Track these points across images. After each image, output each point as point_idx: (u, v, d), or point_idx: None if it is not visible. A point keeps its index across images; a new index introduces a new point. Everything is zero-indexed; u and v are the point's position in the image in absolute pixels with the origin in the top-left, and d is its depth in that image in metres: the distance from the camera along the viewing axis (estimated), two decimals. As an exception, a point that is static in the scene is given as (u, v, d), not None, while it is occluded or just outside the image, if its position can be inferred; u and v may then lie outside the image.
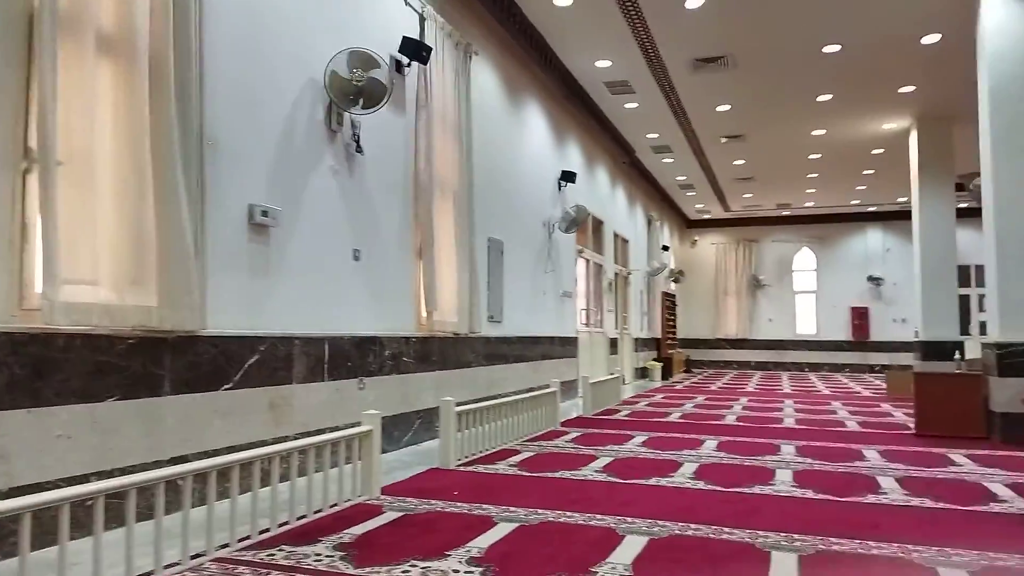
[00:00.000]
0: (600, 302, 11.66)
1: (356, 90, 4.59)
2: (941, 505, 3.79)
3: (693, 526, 3.31)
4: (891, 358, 18.42)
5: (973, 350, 11.56)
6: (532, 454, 5.32)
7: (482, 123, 7.04)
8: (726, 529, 3.27)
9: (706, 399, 10.18)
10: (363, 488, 3.76)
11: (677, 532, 3.22)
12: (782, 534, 3.19)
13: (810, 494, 4.04)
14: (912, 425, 7.19)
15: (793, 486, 4.25)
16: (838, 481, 4.40)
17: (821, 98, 9.67)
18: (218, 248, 3.83)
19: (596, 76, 8.95)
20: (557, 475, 4.53)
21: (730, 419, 7.72)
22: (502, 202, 7.60)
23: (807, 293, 19.51)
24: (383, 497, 3.83)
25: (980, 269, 17.60)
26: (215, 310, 3.77)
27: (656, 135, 11.59)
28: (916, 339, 10.73)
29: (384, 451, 5.08)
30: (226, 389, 3.80)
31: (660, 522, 3.37)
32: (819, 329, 19.27)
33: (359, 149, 5.00)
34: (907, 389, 10.76)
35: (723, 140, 11.84)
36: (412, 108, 5.75)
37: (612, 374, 9.37)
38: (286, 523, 3.21)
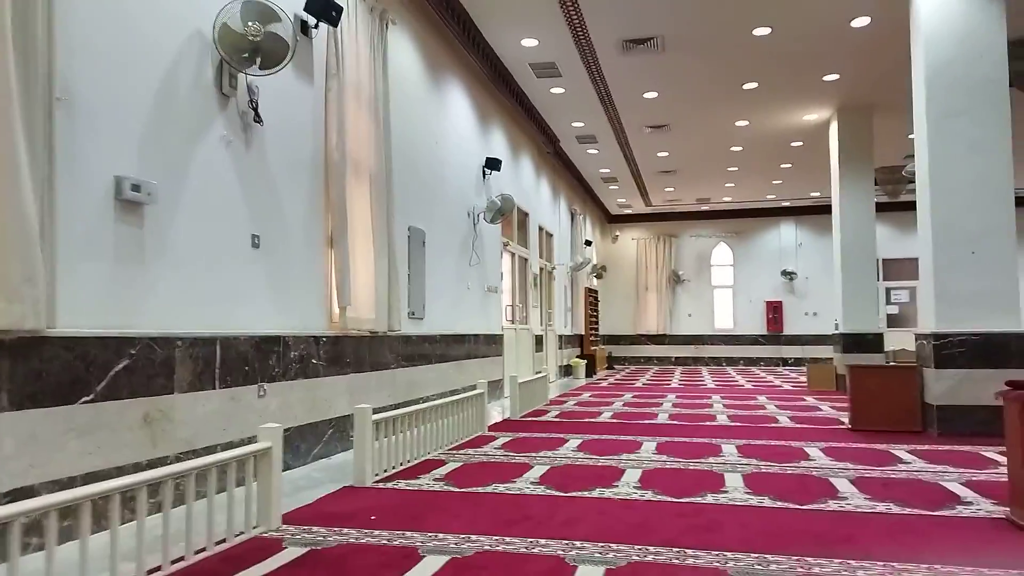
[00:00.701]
0: (526, 298, 11.22)
1: (252, 47, 3.91)
2: (908, 511, 3.49)
3: (652, 549, 2.86)
4: (803, 351, 18.86)
5: (891, 342, 11.77)
6: (459, 464, 4.78)
7: (401, 101, 6.44)
8: (689, 551, 2.83)
9: (634, 396, 9.89)
10: (260, 518, 3.13)
11: (636, 558, 2.76)
12: (753, 555, 2.78)
13: (767, 502, 3.67)
14: (844, 419, 7.07)
15: (748, 493, 3.88)
16: (791, 485, 4.08)
17: (747, 86, 9.53)
18: (73, 229, 3.10)
19: (522, 56, 8.47)
20: (489, 490, 4.00)
21: (663, 417, 7.41)
22: (423, 188, 7.01)
23: (724, 288, 19.75)
24: (284, 527, 3.20)
25: (888, 263, 18.25)
26: (70, 306, 3.05)
27: (582, 124, 11.24)
28: (836, 331, 10.80)
29: (289, 467, 4.43)
30: (85, 402, 3.08)
31: (614, 546, 2.91)
32: (736, 323, 19.53)
33: (258, 118, 4.32)
34: (828, 382, 10.85)
35: (647, 130, 11.61)
36: (321, 77, 5.09)
37: (539, 373, 8.94)
38: (156, 569, 2.55)
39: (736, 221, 19.44)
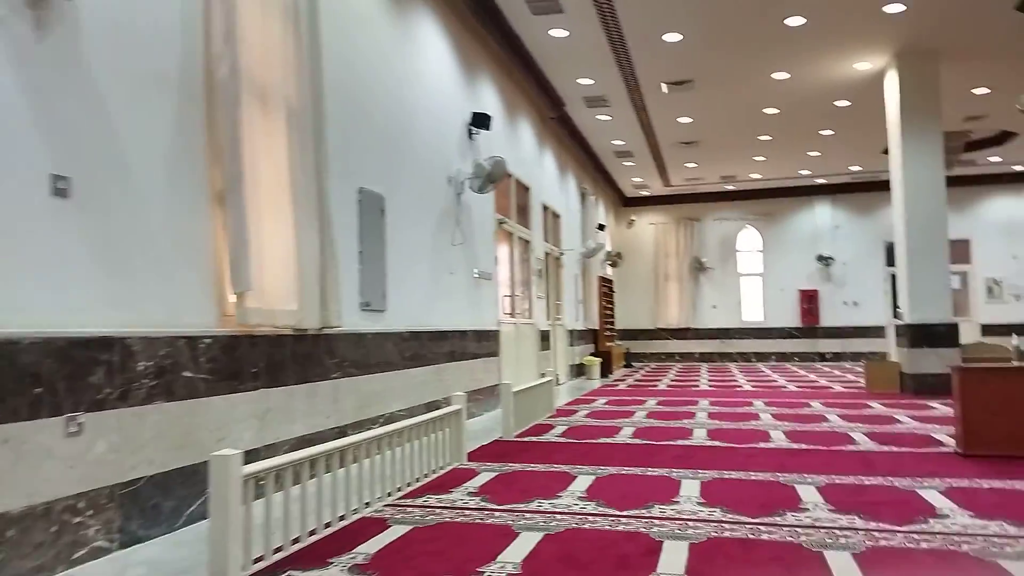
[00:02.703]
0: (528, 287, 9.56)
1: None
2: None
3: None
4: (843, 345, 17.06)
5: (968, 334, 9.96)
6: (407, 530, 3.14)
7: (344, 19, 4.79)
8: None
9: (658, 403, 8.20)
10: None
11: None
12: None
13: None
14: (941, 437, 5.35)
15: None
16: (931, 565, 2.40)
17: (791, 20, 7.76)
18: None
19: (513, -14, 6.81)
20: (434, 595, 2.36)
21: (699, 434, 5.72)
22: (382, 142, 5.36)
23: (753, 276, 17.94)
24: None
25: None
26: None
27: (590, 80, 9.53)
28: (899, 322, 9.03)
29: (140, 539, 2.81)
30: None
31: None
32: (766, 315, 17.72)
33: (59, -12, 2.69)
34: (891, 383, 9.09)
35: (666, 89, 9.88)
36: (198, -46, 3.46)
37: (543, 376, 7.29)
38: None
39: (765, 202, 17.62)
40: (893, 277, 17.13)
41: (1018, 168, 15.37)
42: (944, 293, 8.72)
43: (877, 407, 7.51)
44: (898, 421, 6.40)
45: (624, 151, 13.38)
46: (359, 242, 4.84)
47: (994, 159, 14.30)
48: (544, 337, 9.99)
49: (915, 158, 8.88)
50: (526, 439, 5.64)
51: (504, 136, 8.53)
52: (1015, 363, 5.09)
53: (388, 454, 3.73)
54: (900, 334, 9.03)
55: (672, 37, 8.14)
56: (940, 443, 5.20)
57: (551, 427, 6.29)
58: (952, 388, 4.86)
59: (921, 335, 8.65)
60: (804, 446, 5.17)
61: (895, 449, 5.00)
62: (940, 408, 7.29)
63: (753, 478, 4.08)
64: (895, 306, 9.16)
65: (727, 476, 4.13)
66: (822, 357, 17.14)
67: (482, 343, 7.34)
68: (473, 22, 7.23)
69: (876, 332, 16.78)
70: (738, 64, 9.02)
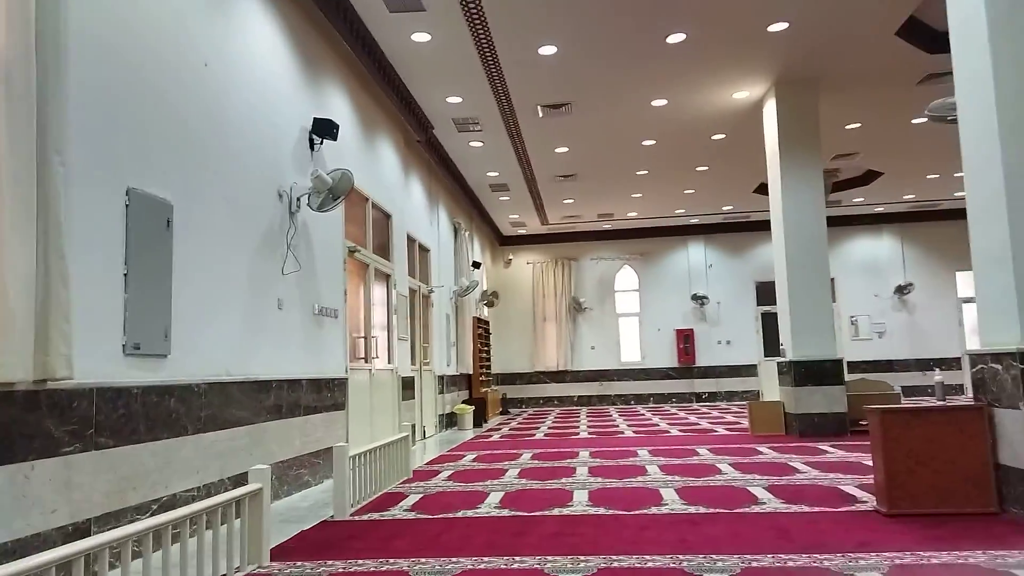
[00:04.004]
0: (389, 327, 8.37)
1: None
2: None
3: None
4: (717, 384, 16.94)
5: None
6: None
7: (110, -36, 3.58)
8: None
9: (534, 456, 7.20)
10: None
11: None
12: None
13: None
14: (850, 490, 4.64)
15: None
16: None
17: (673, 38, 7.23)
18: None
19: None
20: None
21: (581, 500, 4.73)
22: (178, 136, 4.12)
23: (630, 316, 17.58)
24: None
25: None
26: None
27: (459, 99, 8.64)
28: (783, 359, 8.58)
29: None
30: None
31: None
32: (644, 355, 17.35)
33: None
34: (775, 424, 8.58)
35: (543, 111, 9.16)
36: None
37: (402, 432, 6.10)
38: None
39: (641, 241, 17.41)
40: (763, 316, 17.40)
41: (879, 209, 15.93)
42: (827, 328, 8.34)
43: (767, 452, 6.86)
44: (795, 470, 5.71)
45: (500, 184, 12.59)
46: (125, 262, 3.54)
47: (857, 199, 14.69)
48: (408, 385, 8.80)
49: (796, 188, 8.56)
50: (365, 517, 4.42)
51: (360, 154, 7.42)
52: (938, 402, 4.44)
53: (138, 562, 2.46)
54: (783, 371, 8.57)
55: (547, 50, 7.40)
56: (854, 498, 4.47)
57: (402, 496, 5.10)
58: (871, 434, 4.15)
59: (805, 372, 8.20)
60: (703, 509, 4.28)
61: (806, 509, 4.21)
62: (834, 452, 6.73)
63: (650, 565, 3.10)
64: (779, 343, 8.71)
65: (616, 565, 3.13)
66: (699, 397, 16.91)
67: (323, 394, 6.07)
68: (315, 12, 6.14)
69: (749, 371, 16.79)
70: (617, 85, 8.43)
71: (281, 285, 5.41)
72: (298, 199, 5.69)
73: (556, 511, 4.39)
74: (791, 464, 6.07)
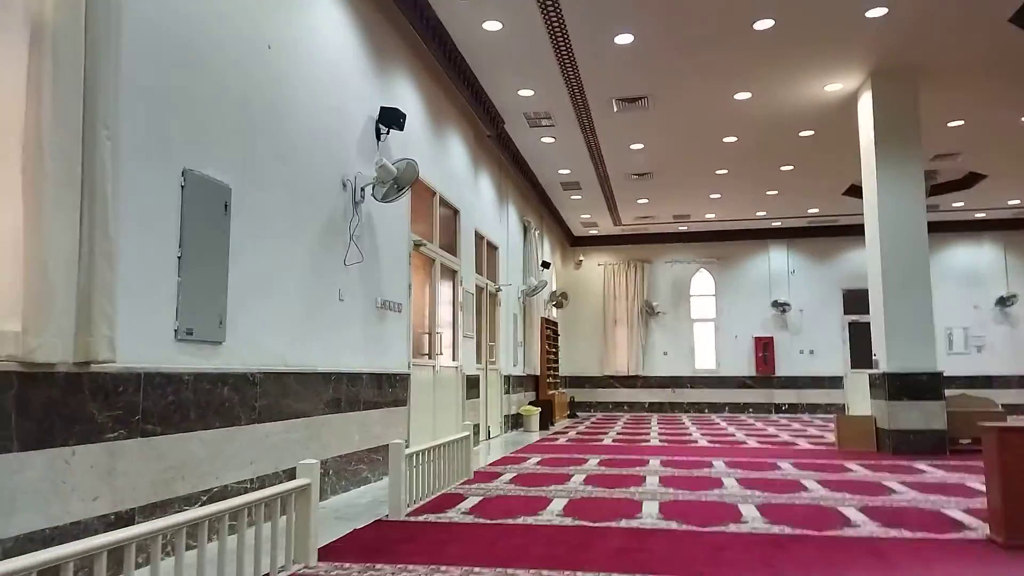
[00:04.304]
0: (455, 324, 8.20)
1: None
2: None
3: None
4: (798, 395, 16.09)
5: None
6: None
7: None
8: None
9: (601, 462, 6.86)
10: None
11: None
12: None
13: None
14: (963, 517, 4.12)
15: None
16: None
17: (760, 24, 6.78)
18: None
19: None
20: None
21: (650, 512, 4.38)
22: (238, 119, 4.03)
23: (706, 322, 16.93)
24: None
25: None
26: None
27: (531, 92, 8.39)
28: (876, 371, 7.95)
29: None
30: None
31: None
32: (719, 363, 16.67)
33: None
34: (866, 440, 7.95)
35: (618, 106, 8.82)
36: None
37: (463, 431, 5.88)
38: None
39: (719, 245, 16.75)
40: (851, 325, 16.44)
41: (980, 215, 14.81)
42: (927, 338, 7.67)
43: (858, 470, 6.30)
44: (891, 490, 5.18)
45: (571, 182, 12.29)
46: (179, 244, 3.44)
47: (957, 204, 13.67)
48: (473, 383, 8.60)
49: (893, 188, 7.92)
50: (421, 518, 4.21)
51: (428, 147, 7.28)
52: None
53: (173, 560, 2.31)
54: (875, 384, 7.94)
55: (623, 39, 7.06)
56: (961, 525, 3.97)
57: (461, 498, 4.87)
58: (985, 454, 3.65)
59: (900, 386, 7.57)
60: (788, 530, 3.87)
61: (908, 534, 3.74)
62: (933, 472, 6.13)
63: (729, 593, 2.75)
64: (871, 354, 8.10)
65: (691, 590, 2.79)
66: (778, 409, 16.11)
67: (384, 389, 5.91)
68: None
69: (833, 383, 15.89)
70: (697, 78, 8.00)
71: (343, 276, 5.28)
72: (362, 189, 5.55)
73: (623, 523, 4.06)
74: (886, 483, 5.53)
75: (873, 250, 8.06)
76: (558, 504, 4.66)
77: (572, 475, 6.02)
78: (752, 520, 4.14)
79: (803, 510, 4.46)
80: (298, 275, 4.65)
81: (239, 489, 3.83)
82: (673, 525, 4.01)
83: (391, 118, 5.91)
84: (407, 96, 6.75)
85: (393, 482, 4.27)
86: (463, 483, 5.54)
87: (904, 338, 7.70)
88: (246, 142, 4.10)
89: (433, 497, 4.87)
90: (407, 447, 5.60)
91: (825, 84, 8.20)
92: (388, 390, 6.00)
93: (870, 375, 8.09)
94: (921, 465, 6.61)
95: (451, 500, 4.81)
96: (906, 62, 7.63)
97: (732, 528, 3.94)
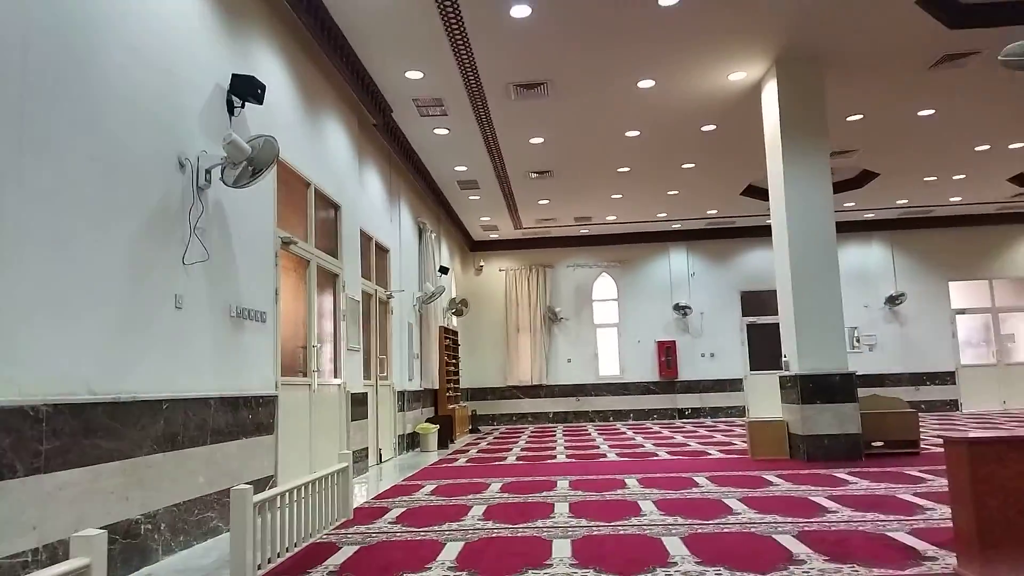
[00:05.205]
0: (336, 335, 7.22)
1: None
2: None
3: None
4: (701, 399, 15.95)
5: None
6: None
7: None
8: None
9: (504, 488, 6.07)
10: None
11: None
12: None
13: None
14: (915, 542, 3.58)
15: None
16: None
17: (665, 0, 6.23)
18: None
19: None
20: None
21: (561, 553, 3.62)
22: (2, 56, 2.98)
23: (609, 327, 16.56)
24: None
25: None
26: None
27: (419, 73, 7.56)
28: (785, 373, 7.59)
29: None
30: None
31: None
32: (623, 369, 16.32)
33: None
34: (778, 447, 7.57)
35: (514, 93, 8.12)
36: None
37: (340, 462, 4.93)
38: None
39: (620, 248, 16.43)
40: (748, 327, 16.49)
41: (869, 215, 15.14)
42: (838, 337, 7.37)
43: (779, 483, 5.81)
44: (822, 508, 4.66)
45: (469, 180, 11.52)
46: None
47: (849, 204, 13.86)
48: (359, 402, 7.63)
49: (801, 180, 7.60)
50: (273, 585, 3.28)
51: (299, 130, 6.31)
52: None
53: None
54: (786, 387, 7.57)
55: (520, 10, 6.34)
56: (917, 553, 3.43)
57: (332, 550, 3.95)
58: (950, 472, 3.11)
59: (814, 388, 7.21)
60: (725, 572, 3.21)
61: (863, 571, 3.15)
62: (856, 482, 5.73)
63: None
64: (772, 355, 7.71)
65: None
66: (681, 413, 15.91)
67: (242, 415, 4.89)
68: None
69: (734, 385, 15.87)
70: (599, 61, 7.41)
71: (182, 278, 4.25)
72: (207, 172, 4.54)
73: (530, 575, 3.28)
74: (813, 499, 5.03)
75: (781, 246, 7.72)
76: (452, 550, 3.82)
77: (470, 507, 5.19)
78: (681, 560, 3.45)
79: (736, 541, 3.82)
80: (113, 276, 3.61)
81: (10, 567, 2.78)
82: (592, 571, 3.27)
83: (245, 88, 4.93)
84: (270, 68, 5.76)
85: (236, 538, 3.31)
86: (340, 526, 4.61)
87: (815, 338, 7.37)
88: (24, 102, 3.06)
89: (298, 551, 3.92)
90: (271, 485, 4.65)
91: (729, 73, 7.82)
92: (248, 416, 4.98)
93: (780, 377, 7.72)
94: (840, 474, 6.22)
95: (319, 553, 3.88)
96: (811, 48, 7.33)
97: (662, 571, 3.23)
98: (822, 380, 7.23)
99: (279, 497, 3.74)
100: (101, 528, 3.24)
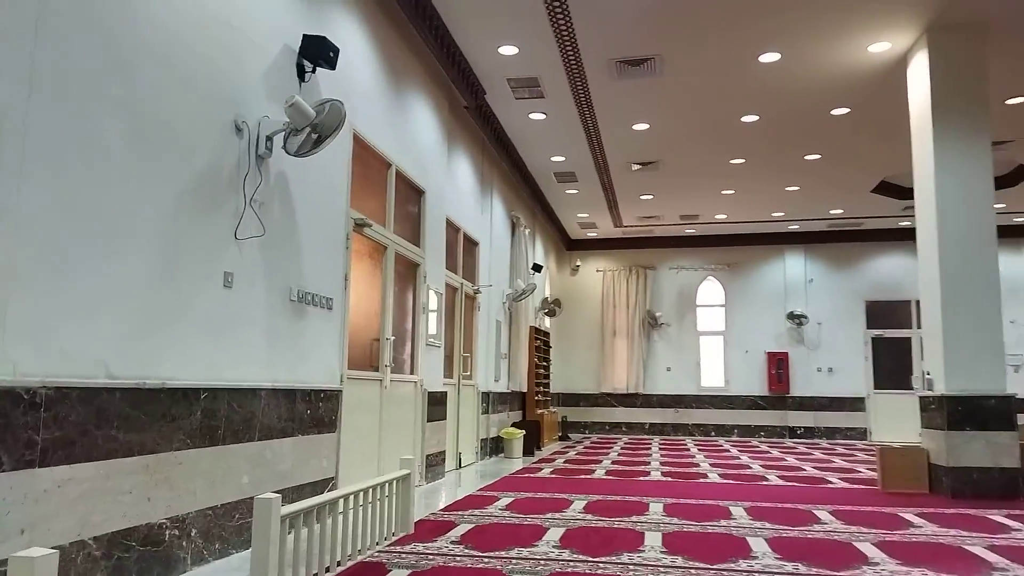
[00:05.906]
0: (414, 329, 6.74)
1: None
2: None
3: None
4: (815, 418, 14.56)
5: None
6: None
7: None
8: None
9: (587, 507, 5.36)
10: None
11: None
12: None
13: None
14: None
15: None
16: None
17: (800, -51, 5.35)
18: None
19: None
20: None
21: (654, 608, 2.89)
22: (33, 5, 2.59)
23: (714, 335, 15.44)
24: None
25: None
26: None
27: (514, 49, 6.97)
28: (928, 393, 6.46)
29: None
30: None
31: None
32: (728, 381, 15.16)
33: None
34: (917, 478, 6.45)
35: (618, 71, 7.38)
36: None
37: (402, 469, 4.40)
38: None
39: (730, 250, 15.28)
40: (874, 341, 14.93)
41: (1020, 220, 13.34)
42: (995, 354, 6.19)
43: (922, 524, 4.80)
44: (982, 560, 3.69)
45: (566, 172, 10.85)
46: None
47: (998, 205, 12.19)
48: (438, 401, 7.12)
49: (956, 170, 6.47)
50: (297, 618, 2.73)
51: (381, 105, 5.85)
52: None
53: None
54: (928, 409, 6.44)
55: (623, -30, 5.64)
56: None
57: (380, 572, 3.38)
58: None
59: (963, 412, 6.08)
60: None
61: None
62: (1017, 528, 4.64)
63: None
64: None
65: None
66: (792, 432, 14.58)
67: (298, 410, 4.43)
68: None
69: (854, 404, 14.38)
70: (717, 30, 6.57)
71: (232, 253, 3.82)
72: (269, 138, 4.10)
73: (609, 635, 2.58)
74: (968, 548, 4.04)
75: (928, 247, 6.59)
76: (517, 587, 3.17)
77: (547, 528, 4.52)
78: (810, 630, 2.65)
79: (882, 608, 2.96)
80: (147, 243, 3.19)
81: (-8, 575, 2.35)
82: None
83: (316, 50, 4.47)
84: (351, 35, 5.31)
85: (257, 557, 2.78)
86: (396, 542, 4.05)
87: (966, 354, 6.23)
88: (41, 31, 2.66)
89: (340, 570, 3.38)
90: (331, 488, 4.16)
91: (869, 44, 6.76)
92: (306, 411, 4.51)
93: (921, 398, 6.60)
94: (996, 516, 5.13)
95: (366, 575, 3.32)
96: (973, 10, 6.19)
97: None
98: (973, 403, 6.09)
99: (319, 509, 3.20)
100: (113, 532, 2.81)
